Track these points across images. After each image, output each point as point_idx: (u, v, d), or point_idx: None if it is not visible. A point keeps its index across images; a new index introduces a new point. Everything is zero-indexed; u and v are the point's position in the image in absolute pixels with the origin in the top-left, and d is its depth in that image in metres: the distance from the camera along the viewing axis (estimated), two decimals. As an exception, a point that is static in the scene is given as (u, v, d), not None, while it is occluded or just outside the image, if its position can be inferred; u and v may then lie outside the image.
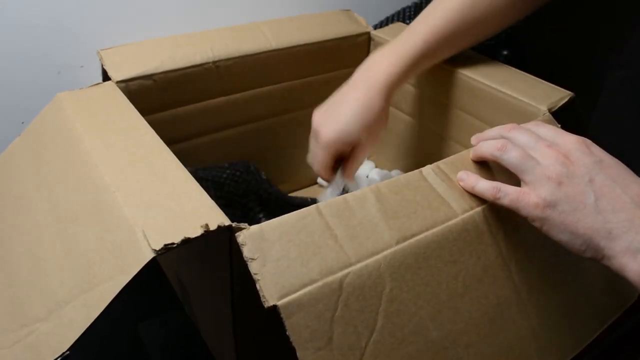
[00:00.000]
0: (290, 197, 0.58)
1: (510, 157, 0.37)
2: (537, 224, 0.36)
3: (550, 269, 0.41)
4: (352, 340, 0.31)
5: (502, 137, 0.39)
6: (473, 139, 0.42)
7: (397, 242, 0.34)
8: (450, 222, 0.36)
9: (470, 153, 0.41)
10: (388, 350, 0.32)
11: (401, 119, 0.67)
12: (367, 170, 0.73)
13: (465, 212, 0.37)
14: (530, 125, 0.40)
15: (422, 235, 0.35)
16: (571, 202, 0.34)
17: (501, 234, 0.38)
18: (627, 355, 0.51)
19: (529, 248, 0.40)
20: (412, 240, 0.34)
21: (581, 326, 0.43)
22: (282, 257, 0.30)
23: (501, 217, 0.39)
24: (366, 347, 0.31)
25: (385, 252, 0.33)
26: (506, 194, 0.36)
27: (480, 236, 0.37)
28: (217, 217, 0.31)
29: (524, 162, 0.37)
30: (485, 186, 0.38)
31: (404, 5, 0.72)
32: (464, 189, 0.39)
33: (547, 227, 0.35)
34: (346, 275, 0.31)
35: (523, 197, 0.36)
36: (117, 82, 0.49)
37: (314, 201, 0.53)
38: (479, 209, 0.38)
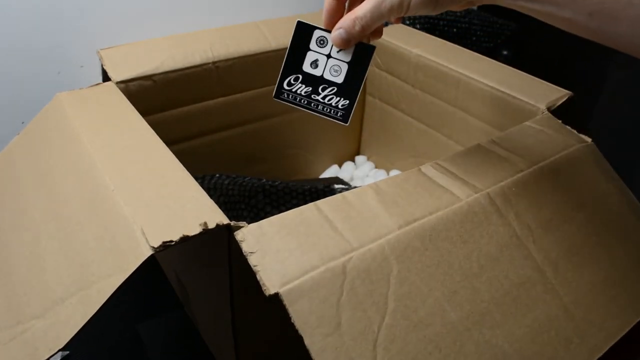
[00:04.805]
0: (299, 182, 0.55)
1: None
2: None
3: (580, 244, 0.40)
4: (363, 325, 0.30)
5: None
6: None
7: (400, 227, 0.33)
8: (454, 206, 0.35)
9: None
10: (404, 334, 0.31)
11: (401, 119, 0.67)
12: (366, 170, 0.73)
13: (469, 197, 0.36)
14: None
15: (425, 219, 0.34)
16: None
17: (512, 214, 0.38)
18: (627, 355, 0.51)
19: (551, 226, 0.39)
20: (415, 224, 0.33)
21: (629, 302, 0.40)
22: (281, 248, 0.30)
23: (509, 199, 0.38)
24: (379, 331, 0.30)
25: (388, 237, 0.32)
26: None
27: (488, 217, 0.36)
28: (216, 216, 0.31)
29: None
30: (365, 6, 0.34)
31: (403, 5, 0.72)
32: (349, 37, 0.36)
33: None
34: (349, 260, 0.31)
35: None
36: (117, 83, 0.49)
37: (327, 187, 0.51)
38: (484, 192, 0.37)
